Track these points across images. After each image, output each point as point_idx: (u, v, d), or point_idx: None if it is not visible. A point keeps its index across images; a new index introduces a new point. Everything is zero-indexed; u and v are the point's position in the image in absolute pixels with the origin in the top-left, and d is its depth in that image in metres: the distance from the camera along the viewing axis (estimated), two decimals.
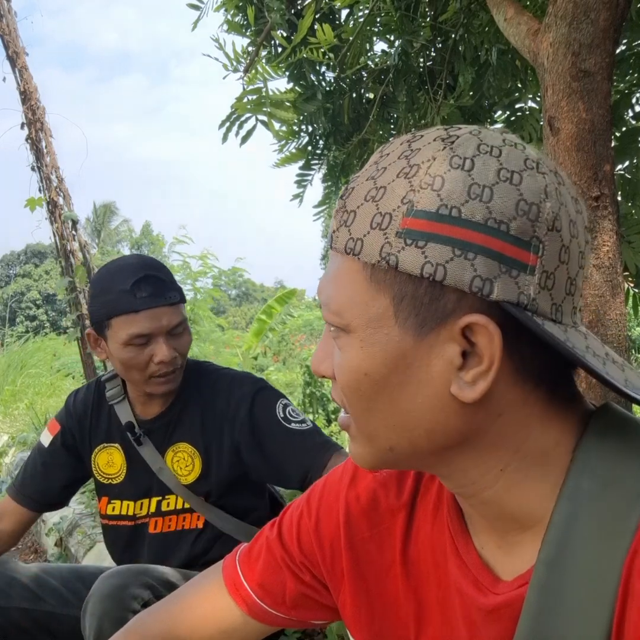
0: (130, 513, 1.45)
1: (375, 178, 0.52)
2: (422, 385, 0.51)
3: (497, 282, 0.47)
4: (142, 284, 1.30)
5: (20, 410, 6.03)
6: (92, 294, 1.37)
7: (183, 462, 1.41)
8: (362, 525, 0.69)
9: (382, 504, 0.68)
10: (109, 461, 1.46)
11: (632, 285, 2.34)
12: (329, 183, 2.99)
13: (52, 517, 3.06)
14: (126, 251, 42.42)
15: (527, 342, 0.49)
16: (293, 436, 1.34)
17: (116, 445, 1.46)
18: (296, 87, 2.80)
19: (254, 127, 2.77)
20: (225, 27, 2.70)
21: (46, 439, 1.50)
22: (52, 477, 1.48)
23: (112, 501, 1.47)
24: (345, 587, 0.70)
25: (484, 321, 0.48)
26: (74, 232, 4.40)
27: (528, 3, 2.48)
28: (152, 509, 1.44)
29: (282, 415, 1.37)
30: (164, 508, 1.43)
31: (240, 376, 1.46)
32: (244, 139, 2.77)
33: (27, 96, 4.30)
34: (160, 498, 1.43)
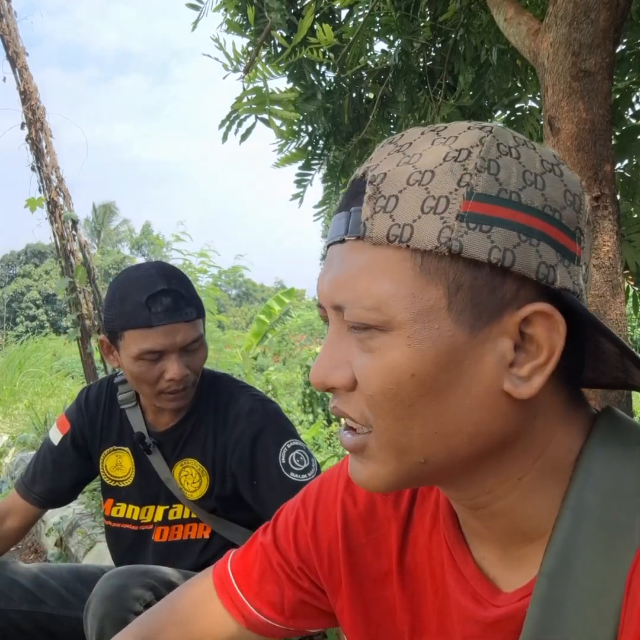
0: (135, 518, 1.44)
1: (412, 163, 0.48)
2: (471, 384, 0.47)
3: (558, 269, 0.46)
4: (159, 297, 1.24)
5: (20, 410, 6.03)
6: (108, 301, 1.32)
7: (191, 478, 1.39)
8: (359, 530, 0.67)
9: (379, 510, 0.66)
10: (118, 464, 1.45)
11: (632, 283, 2.34)
12: (329, 183, 2.99)
13: (52, 517, 3.05)
14: (126, 251, 42.42)
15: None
16: (287, 487, 1.25)
17: (126, 449, 1.44)
18: (296, 87, 2.80)
19: (253, 125, 2.77)
20: (225, 27, 2.70)
21: (56, 436, 1.47)
22: (62, 475, 1.47)
23: (117, 503, 1.46)
24: (342, 592, 0.68)
25: (550, 310, 0.46)
26: (74, 232, 4.40)
27: (528, 3, 2.48)
28: (159, 517, 1.42)
29: (283, 462, 1.29)
30: (171, 517, 1.42)
31: (253, 403, 1.37)
32: (244, 137, 2.77)
33: (27, 96, 4.30)
34: (167, 507, 1.42)
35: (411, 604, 0.63)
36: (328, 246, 0.53)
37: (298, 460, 1.31)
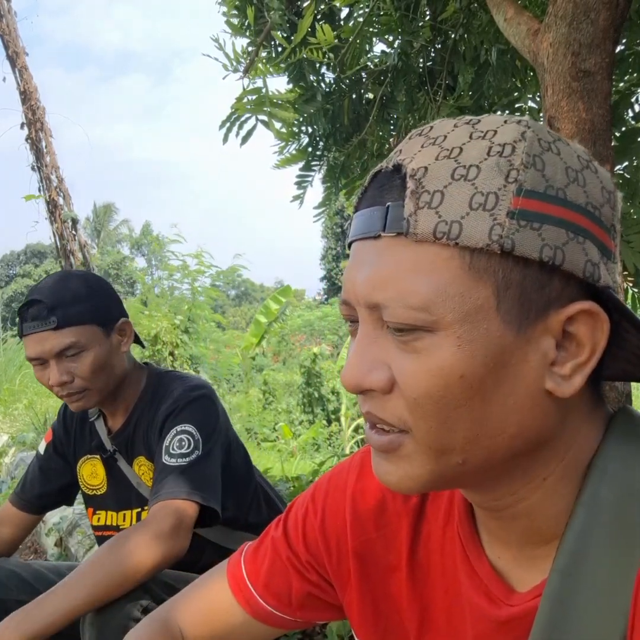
0: (114, 524, 1.47)
1: (454, 158, 0.46)
2: (516, 384, 0.47)
3: (601, 267, 0.46)
4: (26, 309, 1.31)
5: (20, 410, 6.03)
6: None
7: (148, 475, 1.42)
8: (369, 525, 0.67)
9: (389, 505, 0.66)
10: (93, 472, 1.49)
11: (631, 285, 2.34)
12: (329, 184, 3.00)
13: (52, 517, 3.05)
14: (126, 251, 42.42)
15: None
16: (159, 471, 1.29)
17: (97, 457, 1.49)
18: (296, 88, 2.80)
19: (254, 127, 2.77)
20: (224, 26, 2.70)
21: (42, 446, 1.56)
22: (49, 481, 1.53)
23: (97, 512, 1.50)
24: (351, 586, 0.69)
25: (595, 308, 0.46)
26: (74, 232, 4.40)
27: (528, 3, 2.48)
28: (134, 520, 1.45)
29: (166, 444, 1.31)
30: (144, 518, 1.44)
31: (176, 390, 1.40)
32: (244, 139, 2.77)
33: (27, 96, 4.30)
34: (139, 509, 1.45)
35: (420, 599, 0.63)
36: (353, 242, 0.51)
37: (179, 444, 1.31)
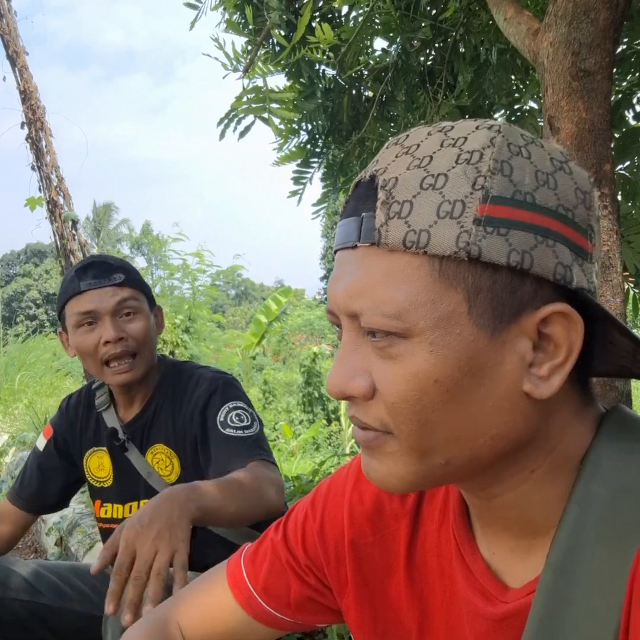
0: (120, 516, 1.46)
1: (422, 166, 0.47)
2: (493, 386, 0.47)
3: (574, 269, 0.47)
4: (87, 269, 1.36)
5: (20, 409, 6.03)
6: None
7: (163, 463, 1.42)
8: (366, 529, 0.68)
9: (386, 508, 0.67)
10: (100, 465, 1.48)
11: (632, 285, 2.34)
12: (328, 182, 3.00)
13: (52, 517, 3.05)
14: (126, 251, 42.42)
15: None
16: (223, 442, 1.31)
17: (104, 449, 1.48)
18: (295, 85, 2.80)
19: (252, 123, 2.78)
20: (224, 26, 2.70)
21: (41, 443, 1.53)
22: (49, 480, 1.51)
23: (104, 504, 1.49)
24: (349, 591, 0.69)
25: (568, 310, 0.46)
26: (74, 231, 4.40)
27: (528, 3, 2.48)
28: None
29: (221, 420, 1.34)
30: None
31: (205, 374, 1.44)
32: (242, 134, 2.78)
33: (27, 96, 4.30)
34: (147, 501, 1.43)
35: (419, 600, 0.63)
36: (336, 251, 0.52)
37: (238, 419, 1.34)
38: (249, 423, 1.35)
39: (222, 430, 1.32)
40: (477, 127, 0.49)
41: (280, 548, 0.75)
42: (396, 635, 0.66)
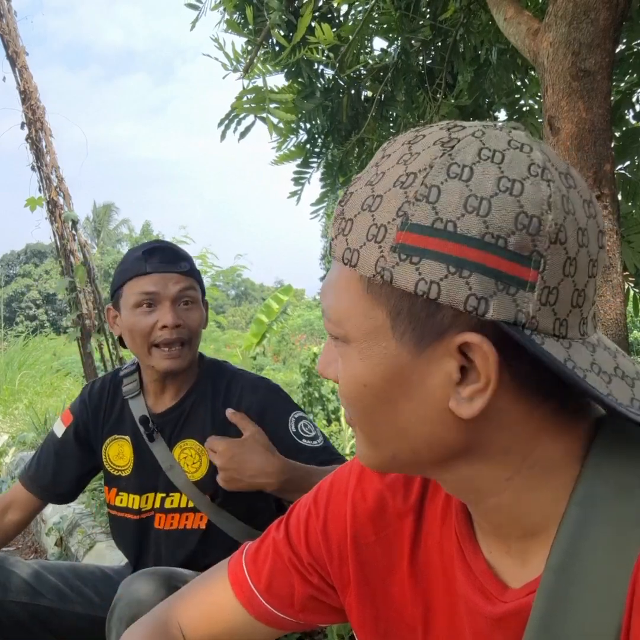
0: (136, 507, 1.45)
1: (373, 184, 0.50)
2: (421, 399, 0.50)
3: (494, 300, 0.45)
4: (154, 251, 1.37)
5: (20, 410, 6.03)
6: (115, 270, 1.44)
7: (191, 459, 1.41)
8: (368, 529, 0.68)
9: (389, 507, 0.67)
10: (120, 453, 1.47)
11: (632, 285, 2.34)
12: (327, 181, 2.99)
13: (52, 517, 3.06)
14: (126, 251, 42.42)
15: (529, 359, 0.47)
16: (301, 453, 1.33)
17: (127, 437, 1.46)
18: (294, 84, 2.80)
19: (252, 123, 2.78)
20: (224, 26, 2.70)
21: (59, 429, 1.51)
22: (65, 468, 1.49)
23: (120, 493, 1.48)
24: (351, 590, 0.69)
25: (478, 340, 0.46)
26: (74, 232, 4.39)
27: (528, 3, 2.48)
28: (157, 504, 1.44)
29: (294, 430, 1.36)
30: (167, 505, 1.43)
31: (255, 381, 1.45)
32: (242, 135, 2.78)
33: (27, 96, 4.29)
34: (164, 495, 1.43)
35: (423, 598, 0.63)
36: None
37: (306, 428, 1.38)
38: (315, 433, 1.39)
39: (298, 440, 1.35)
40: (434, 142, 0.48)
41: (283, 546, 0.75)
42: (398, 635, 0.66)
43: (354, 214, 0.50)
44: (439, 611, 0.62)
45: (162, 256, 1.36)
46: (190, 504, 1.41)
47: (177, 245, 1.46)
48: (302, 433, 1.36)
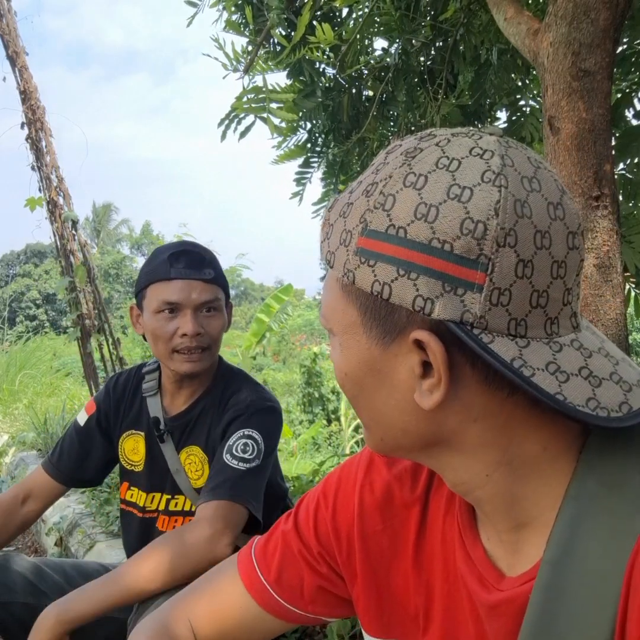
0: (140, 504, 1.47)
1: (352, 192, 0.55)
2: (391, 390, 0.54)
3: (439, 301, 0.48)
4: (180, 256, 1.36)
5: (20, 410, 6.03)
6: (141, 267, 1.43)
7: (194, 466, 1.42)
8: (376, 518, 0.69)
9: (396, 497, 0.68)
10: (134, 448, 1.49)
11: (633, 285, 2.34)
12: (328, 181, 2.99)
13: (52, 517, 3.06)
14: (126, 251, 42.42)
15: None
16: (221, 467, 1.30)
17: (142, 434, 1.48)
18: (296, 83, 2.80)
19: (252, 123, 2.78)
20: (222, 24, 2.70)
21: (83, 418, 1.53)
22: (88, 455, 1.51)
23: (131, 488, 1.50)
24: (358, 579, 0.71)
25: (427, 337, 0.49)
26: (74, 232, 4.39)
27: (528, 3, 2.48)
28: (162, 506, 1.45)
29: (230, 443, 1.33)
30: (171, 507, 1.44)
31: (250, 394, 1.42)
32: (242, 134, 2.78)
33: (27, 96, 4.29)
34: (169, 497, 1.44)
35: (426, 587, 0.65)
36: None
37: (243, 448, 1.32)
38: (251, 456, 1.32)
39: (224, 454, 1.32)
40: (402, 152, 0.52)
41: (292, 538, 0.76)
42: (400, 623, 0.68)
43: (334, 220, 0.56)
44: (438, 600, 0.64)
45: (187, 261, 1.35)
46: (194, 508, 1.41)
47: (203, 247, 1.43)
48: (234, 452, 1.31)
